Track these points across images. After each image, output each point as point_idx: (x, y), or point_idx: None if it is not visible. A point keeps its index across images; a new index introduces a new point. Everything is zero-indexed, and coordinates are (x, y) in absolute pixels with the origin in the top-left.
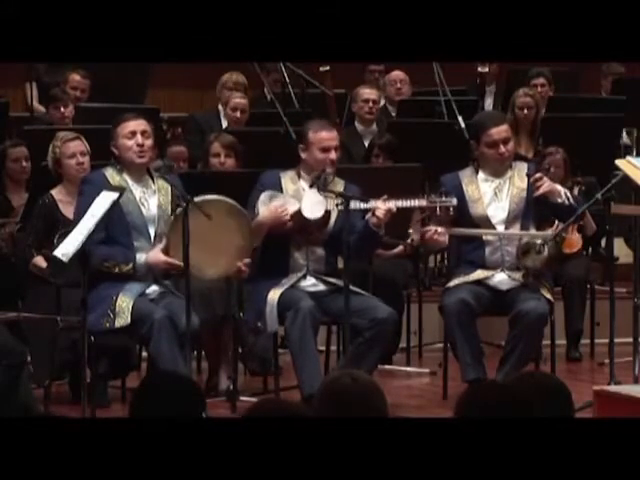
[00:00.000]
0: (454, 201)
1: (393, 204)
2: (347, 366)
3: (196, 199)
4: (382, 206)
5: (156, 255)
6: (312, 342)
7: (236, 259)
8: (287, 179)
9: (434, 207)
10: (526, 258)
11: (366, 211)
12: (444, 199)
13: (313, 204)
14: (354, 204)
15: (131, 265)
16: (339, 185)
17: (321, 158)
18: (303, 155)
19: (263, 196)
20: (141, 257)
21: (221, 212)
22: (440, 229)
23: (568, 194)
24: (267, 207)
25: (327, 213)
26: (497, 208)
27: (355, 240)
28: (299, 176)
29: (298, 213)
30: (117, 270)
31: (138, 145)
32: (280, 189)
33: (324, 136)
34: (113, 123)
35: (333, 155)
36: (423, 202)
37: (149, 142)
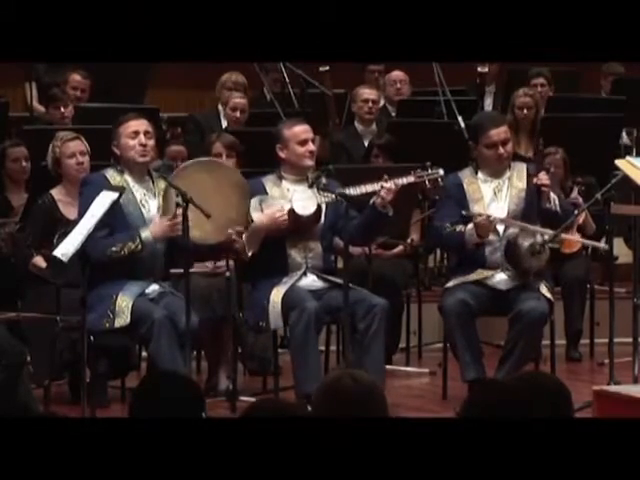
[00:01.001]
0: (441, 171)
1: (389, 185)
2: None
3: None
4: (386, 185)
5: (156, 223)
6: (314, 343)
7: (225, 228)
8: (270, 184)
9: (422, 181)
10: (529, 259)
11: (359, 202)
12: (430, 172)
13: (304, 201)
14: (353, 190)
15: (138, 241)
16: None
17: (301, 152)
18: (282, 155)
19: (253, 202)
20: (144, 231)
21: (228, 181)
22: (492, 217)
23: (557, 201)
24: (264, 213)
25: (319, 207)
26: (497, 208)
27: (361, 224)
28: (281, 178)
29: (291, 212)
30: (126, 251)
31: (141, 145)
32: (265, 194)
33: (299, 130)
34: (115, 123)
35: (311, 146)
36: (411, 178)
37: (151, 142)
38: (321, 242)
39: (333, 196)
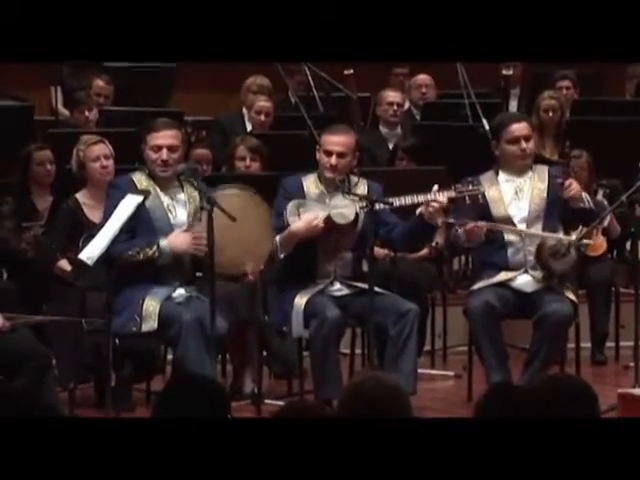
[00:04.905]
0: (482, 188)
1: (442, 197)
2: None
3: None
4: (439, 198)
5: (177, 234)
6: (334, 351)
7: (244, 262)
8: (309, 182)
9: (463, 197)
10: (554, 262)
11: (397, 208)
12: (471, 188)
13: (343, 209)
14: (381, 204)
15: (155, 247)
16: (362, 185)
17: (323, 161)
18: (317, 156)
19: (290, 206)
20: (164, 240)
21: (258, 217)
22: (480, 223)
23: (589, 198)
24: (300, 219)
25: (357, 216)
26: (518, 208)
27: (406, 232)
28: (320, 179)
29: (328, 218)
30: (142, 256)
31: (162, 160)
32: (302, 193)
33: (330, 139)
34: (145, 127)
35: (333, 160)
36: (452, 193)
37: (175, 156)
38: (353, 250)
39: (369, 204)
